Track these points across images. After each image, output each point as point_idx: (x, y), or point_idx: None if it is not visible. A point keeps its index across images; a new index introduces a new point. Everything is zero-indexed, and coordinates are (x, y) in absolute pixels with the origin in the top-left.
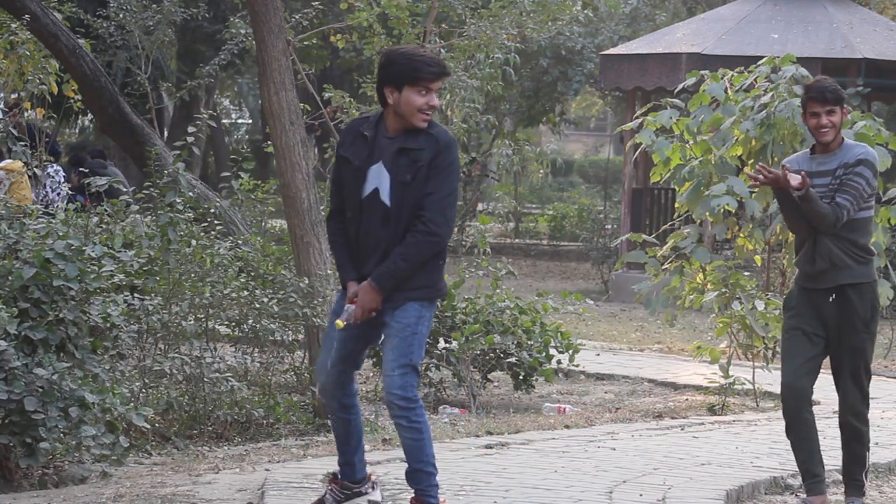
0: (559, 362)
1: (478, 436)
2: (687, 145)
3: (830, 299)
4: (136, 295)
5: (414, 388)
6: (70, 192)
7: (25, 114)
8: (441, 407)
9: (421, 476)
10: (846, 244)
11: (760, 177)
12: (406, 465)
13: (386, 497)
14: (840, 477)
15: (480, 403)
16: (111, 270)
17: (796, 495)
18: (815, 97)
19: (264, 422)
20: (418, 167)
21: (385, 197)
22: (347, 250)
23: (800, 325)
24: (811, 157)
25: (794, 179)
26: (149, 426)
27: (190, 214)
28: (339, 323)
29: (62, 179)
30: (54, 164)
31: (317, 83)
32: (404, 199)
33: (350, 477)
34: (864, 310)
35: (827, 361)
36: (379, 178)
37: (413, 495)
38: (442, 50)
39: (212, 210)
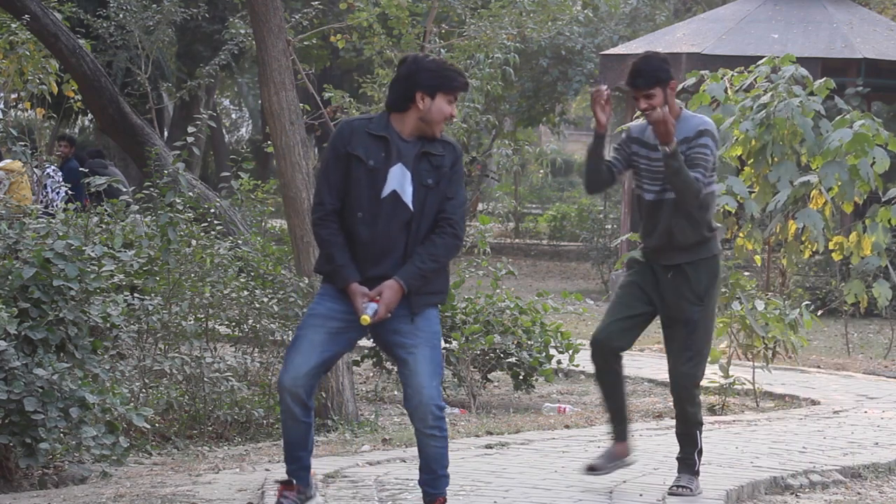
0: (559, 362)
1: (478, 436)
2: None
3: (669, 276)
4: (136, 295)
5: (442, 395)
6: (70, 193)
7: (26, 113)
8: None
9: (443, 481)
10: (689, 220)
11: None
12: (425, 473)
13: (386, 497)
14: (840, 477)
15: (480, 403)
16: (111, 270)
17: (796, 495)
18: (628, 83)
19: (264, 422)
20: (441, 172)
21: (407, 199)
22: (348, 251)
23: (635, 282)
24: (654, 132)
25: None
26: (149, 426)
27: (190, 214)
28: (366, 318)
29: (62, 179)
30: (52, 164)
31: (317, 83)
32: (427, 202)
33: (307, 482)
34: (699, 284)
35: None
36: (400, 180)
37: (432, 500)
38: (442, 50)
39: (212, 210)
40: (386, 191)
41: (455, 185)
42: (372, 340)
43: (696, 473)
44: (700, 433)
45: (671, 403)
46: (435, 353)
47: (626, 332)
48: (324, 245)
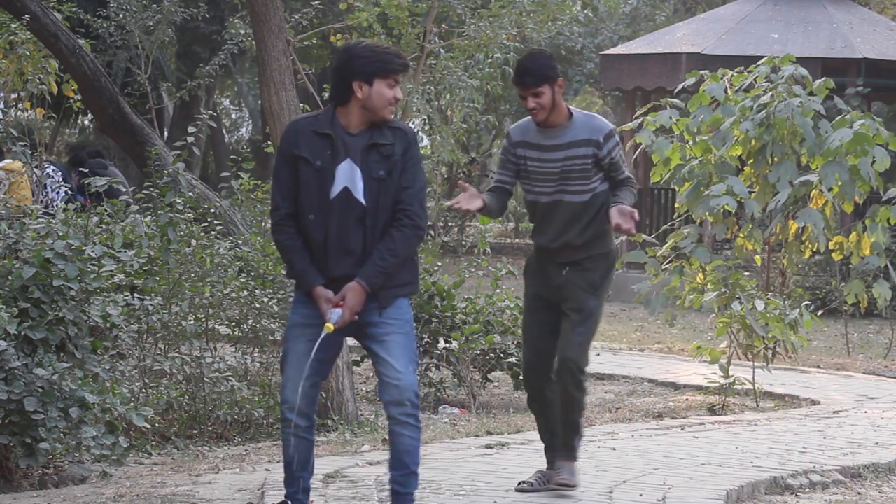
0: None
1: (478, 436)
2: (687, 145)
3: (564, 272)
4: (136, 295)
5: (418, 384)
6: (70, 193)
7: (26, 113)
8: (441, 407)
9: (414, 479)
10: (584, 220)
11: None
12: (396, 469)
13: (386, 497)
14: (840, 477)
15: (480, 403)
16: (111, 270)
17: (796, 495)
18: (516, 82)
19: (264, 422)
20: (393, 161)
21: (359, 195)
22: (309, 255)
23: (539, 296)
24: (539, 130)
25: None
26: (149, 426)
27: (190, 214)
28: (330, 326)
29: (61, 179)
30: (52, 164)
31: (317, 83)
32: (380, 195)
33: None
34: (595, 274)
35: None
36: (349, 176)
37: (402, 501)
38: (441, 50)
39: (212, 210)
40: (336, 189)
41: (410, 173)
42: (353, 339)
43: (576, 458)
44: (583, 420)
45: (671, 404)
46: (408, 341)
47: (551, 351)
48: (283, 251)
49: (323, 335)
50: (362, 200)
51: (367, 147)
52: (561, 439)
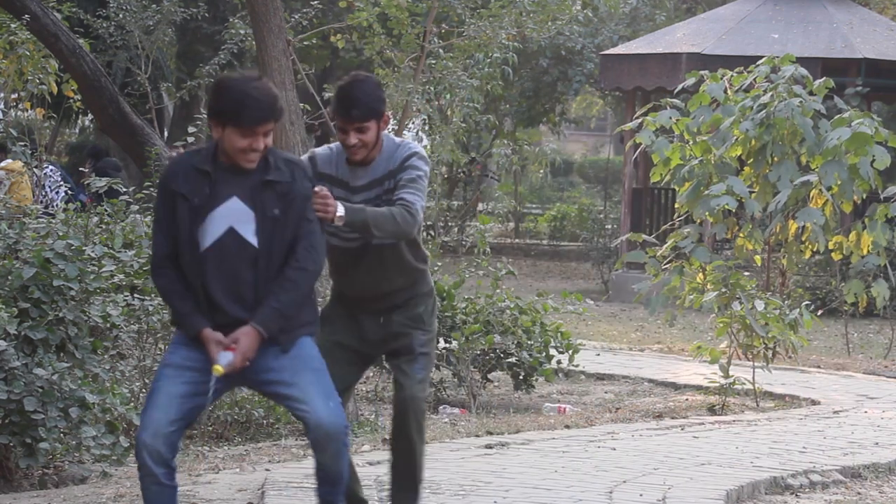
0: (559, 362)
1: (478, 436)
2: (687, 145)
3: (381, 320)
4: (136, 295)
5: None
6: (70, 193)
7: (26, 113)
8: (441, 407)
9: (343, 489)
10: (402, 262)
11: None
12: (327, 485)
13: (386, 497)
14: (840, 477)
15: (480, 403)
16: (111, 270)
17: (796, 495)
18: (339, 112)
19: (264, 422)
20: (289, 199)
21: (250, 236)
22: (191, 298)
23: (343, 345)
24: (350, 168)
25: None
26: None
27: None
28: (219, 369)
29: (60, 179)
30: (52, 164)
31: (317, 83)
32: (274, 235)
33: None
34: (417, 311)
35: None
36: (236, 216)
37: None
38: (441, 50)
39: None
40: (219, 230)
41: (303, 208)
42: (244, 384)
43: None
44: (423, 479)
45: (671, 404)
46: (320, 375)
47: (347, 401)
48: (165, 294)
49: (215, 379)
50: (254, 242)
51: (261, 184)
52: (397, 499)
